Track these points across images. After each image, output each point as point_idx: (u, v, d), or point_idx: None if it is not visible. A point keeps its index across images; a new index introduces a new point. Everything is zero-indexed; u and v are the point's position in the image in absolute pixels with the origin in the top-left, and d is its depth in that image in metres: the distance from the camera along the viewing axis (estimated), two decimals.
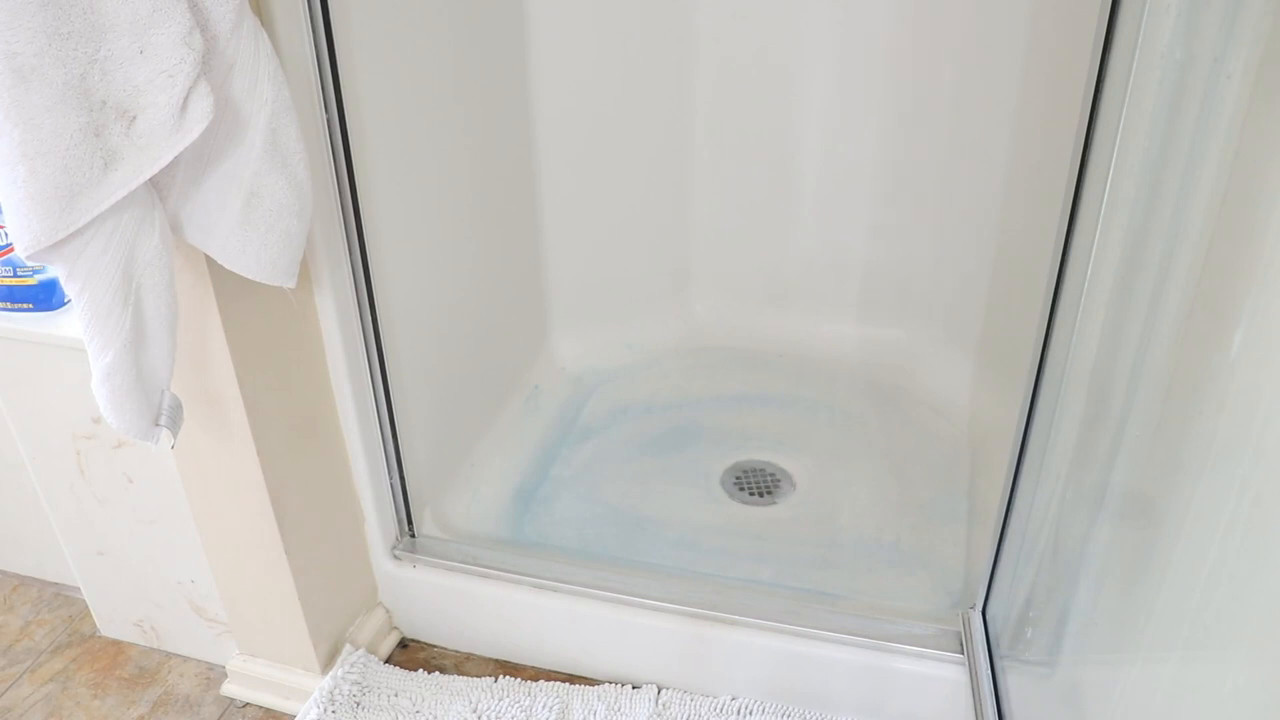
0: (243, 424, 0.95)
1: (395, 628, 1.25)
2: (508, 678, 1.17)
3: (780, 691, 1.11)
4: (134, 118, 0.70)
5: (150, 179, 0.73)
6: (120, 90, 0.69)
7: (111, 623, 1.26)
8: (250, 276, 0.83)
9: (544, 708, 1.11)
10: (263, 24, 0.80)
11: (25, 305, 1.06)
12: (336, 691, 1.11)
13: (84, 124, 0.68)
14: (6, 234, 1.03)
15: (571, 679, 1.17)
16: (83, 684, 1.21)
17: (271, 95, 0.77)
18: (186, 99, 0.71)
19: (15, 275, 1.04)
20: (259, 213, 0.80)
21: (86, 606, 1.27)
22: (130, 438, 0.80)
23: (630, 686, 1.14)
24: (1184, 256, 0.63)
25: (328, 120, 0.92)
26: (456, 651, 1.23)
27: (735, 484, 1.40)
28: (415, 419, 1.19)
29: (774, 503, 1.37)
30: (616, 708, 1.11)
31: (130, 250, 0.73)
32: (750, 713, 1.11)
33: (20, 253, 0.70)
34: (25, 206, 0.67)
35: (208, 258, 0.84)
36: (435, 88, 1.19)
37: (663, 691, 1.13)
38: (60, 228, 0.68)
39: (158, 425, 0.81)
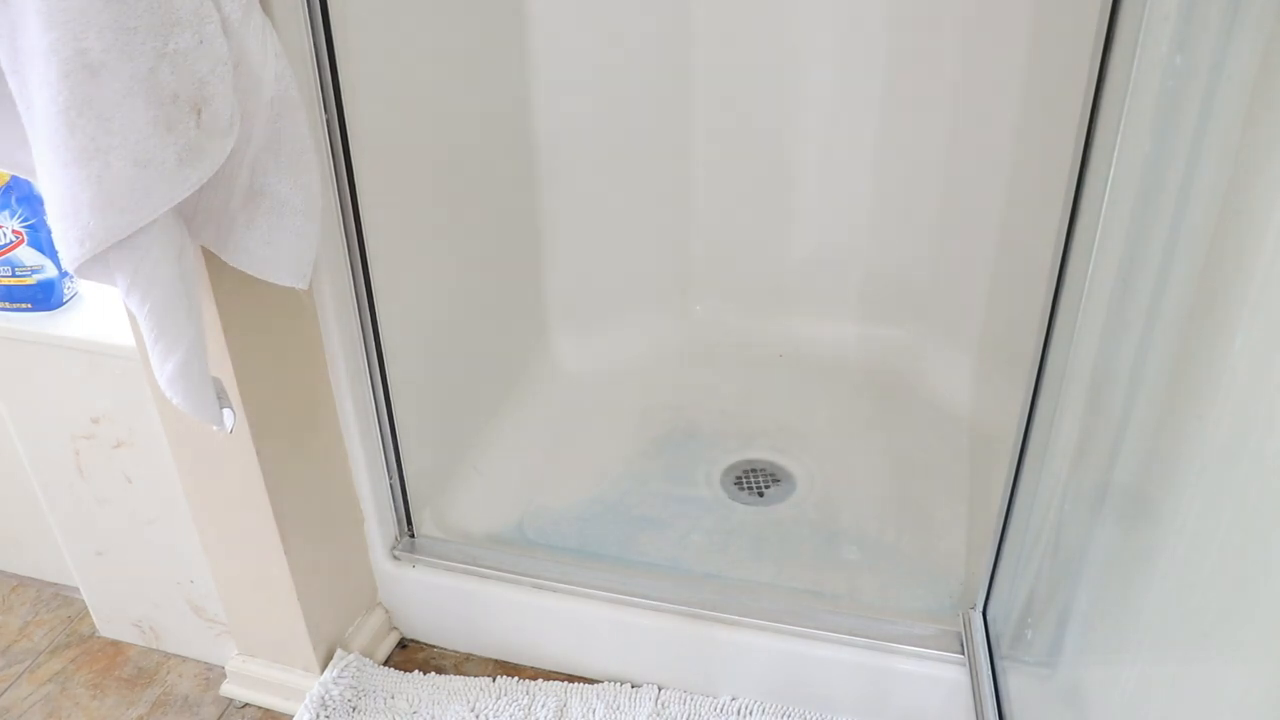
0: (241, 423, 0.95)
1: (395, 628, 1.25)
2: (506, 677, 1.17)
3: (780, 691, 1.11)
4: (199, 110, 0.71)
5: None
6: (189, 83, 0.70)
7: (110, 623, 1.26)
8: (255, 274, 0.82)
9: (542, 707, 1.11)
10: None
11: (24, 305, 1.05)
12: (328, 697, 1.11)
13: (155, 117, 0.68)
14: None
15: (571, 679, 1.17)
16: (81, 684, 1.20)
17: (275, 94, 0.76)
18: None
19: (14, 275, 1.04)
20: (260, 211, 0.80)
21: (85, 607, 1.27)
22: (207, 423, 0.82)
23: (630, 686, 1.14)
24: (1184, 257, 0.63)
25: (327, 120, 0.92)
26: (456, 652, 1.23)
27: (735, 484, 1.40)
28: (415, 419, 1.19)
29: (774, 502, 1.37)
30: (616, 707, 1.11)
31: (180, 248, 0.74)
32: (750, 713, 1.11)
33: (80, 256, 0.68)
34: (99, 202, 0.67)
35: (205, 257, 0.84)
36: (435, 88, 1.19)
37: (662, 691, 1.13)
38: (134, 221, 0.68)
39: (223, 408, 0.84)
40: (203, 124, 0.71)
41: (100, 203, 0.67)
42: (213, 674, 1.21)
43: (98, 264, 0.71)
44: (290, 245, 0.82)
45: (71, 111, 0.65)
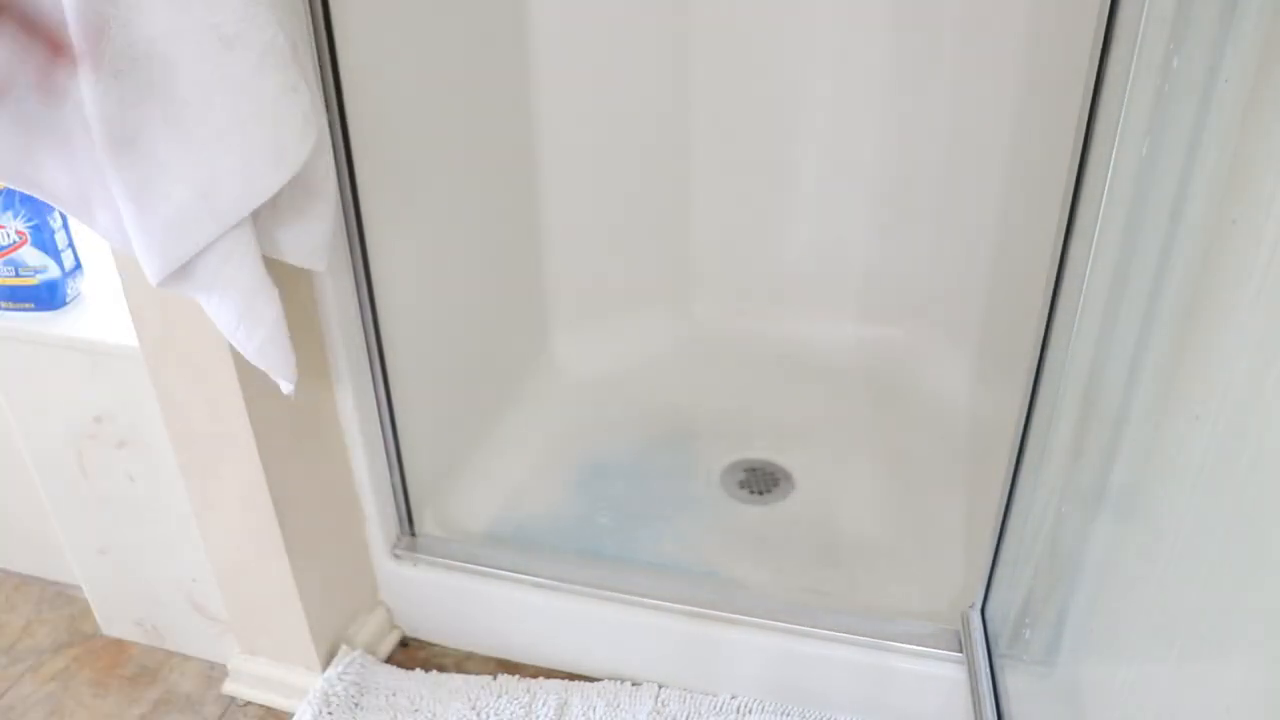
0: (244, 423, 0.95)
1: (396, 626, 1.25)
2: (507, 675, 1.17)
3: (780, 690, 1.11)
4: (304, 71, 0.75)
5: None
6: (297, 47, 0.74)
7: (113, 622, 1.27)
8: (276, 256, 0.83)
9: (543, 705, 1.12)
10: None
11: (27, 305, 1.06)
12: (332, 693, 1.11)
13: (282, 82, 0.72)
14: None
15: (571, 677, 1.17)
16: (84, 683, 1.21)
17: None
18: None
19: (17, 275, 1.05)
20: (298, 191, 0.81)
21: (88, 605, 1.28)
22: (285, 380, 0.84)
23: (630, 684, 1.15)
24: (1181, 258, 0.64)
25: (329, 120, 0.92)
26: (457, 650, 1.23)
27: (735, 483, 1.40)
28: (416, 417, 1.19)
29: (774, 502, 1.37)
30: (616, 705, 1.12)
31: (253, 236, 0.77)
32: (750, 711, 1.11)
33: (204, 239, 0.72)
34: (239, 171, 0.71)
35: None
36: (436, 87, 1.19)
37: (662, 689, 1.14)
38: (273, 184, 0.73)
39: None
40: (311, 85, 0.75)
41: (240, 172, 0.71)
42: (215, 672, 1.21)
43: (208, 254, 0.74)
44: (314, 227, 0.83)
45: (211, 86, 0.69)
